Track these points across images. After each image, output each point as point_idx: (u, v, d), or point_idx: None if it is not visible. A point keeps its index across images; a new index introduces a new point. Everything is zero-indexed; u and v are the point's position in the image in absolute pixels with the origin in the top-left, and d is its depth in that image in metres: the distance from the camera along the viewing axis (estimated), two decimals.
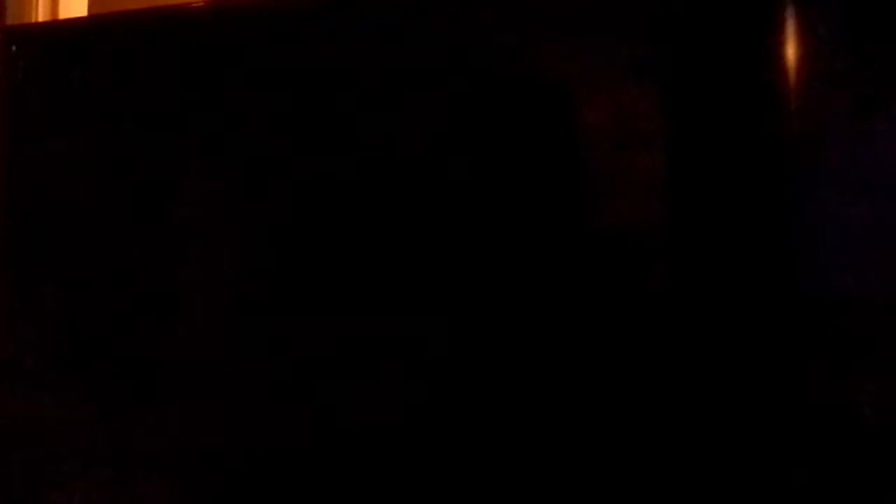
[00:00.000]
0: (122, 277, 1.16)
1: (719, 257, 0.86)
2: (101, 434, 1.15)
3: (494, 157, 0.96)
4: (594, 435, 0.89)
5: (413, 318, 0.99)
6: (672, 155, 0.89)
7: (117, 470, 1.13)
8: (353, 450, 1.01)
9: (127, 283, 1.16)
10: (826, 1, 0.85)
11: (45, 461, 1.18)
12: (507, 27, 0.96)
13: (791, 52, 0.84)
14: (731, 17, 0.86)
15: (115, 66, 1.18)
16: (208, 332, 1.11)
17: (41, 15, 1.62)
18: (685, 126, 0.88)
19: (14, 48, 1.23)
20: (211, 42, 1.13)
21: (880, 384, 0.83)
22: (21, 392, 1.20)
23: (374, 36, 1.03)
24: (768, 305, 0.84)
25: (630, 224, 0.90)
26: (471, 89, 0.97)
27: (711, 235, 0.86)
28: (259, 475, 1.05)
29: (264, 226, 1.08)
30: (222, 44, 1.12)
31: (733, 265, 0.85)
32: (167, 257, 1.14)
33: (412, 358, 0.98)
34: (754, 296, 0.84)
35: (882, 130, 0.85)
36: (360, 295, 1.02)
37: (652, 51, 0.90)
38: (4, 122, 1.24)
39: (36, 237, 1.22)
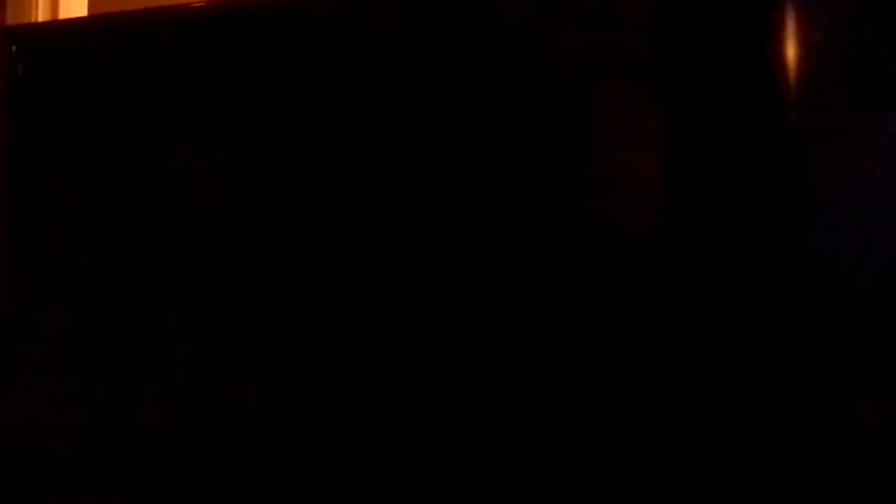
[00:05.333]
0: (121, 277, 1.16)
1: (720, 256, 0.86)
2: (101, 438, 1.15)
3: (495, 155, 0.96)
4: (593, 435, 0.89)
5: (410, 319, 0.99)
6: (672, 154, 0.89)
7: (114, 474, 1.14)
8: (353, 451, 1.01)
9: (126, 284, 1.16)
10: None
11: (44, 464, 1.18)
12: (507, 26, 0.96)
13: (791, 49, 0.84)
14: (732, 15, 0.86)
15: (114, 66, 1.18)
16: (209, 333, 1.11)
17: (41, 15, 1.63)
18: (685, 125, 0.88)
19: (14, 48, 1.23)
20: (211, 42, 1.13)
21: (880, 383, 0.83)
22: (20, 393, 1.20)
23: (374, 34, 1.03)
24: (769, 303, 0.84)
25: (631, 223, 0.90)
26: (471, 88, 0.97)
27: (712, 234, 0.86)
28: (259, 478, 1.05)
29: (266, 227, 1.08)
30: (222, 44, 1.12)
31: (734, 264, 0.85)
32: (167, 257, 1.14)
33: (412, 357, 0.99)
34: (756, 294, 0.84)
35: (883, 128, 0.85)
36: (372, 292, 1.02)
37: (652, 49, 0.90)
38: (4, 122, 1.24)
39: (36, 237, 1.22)
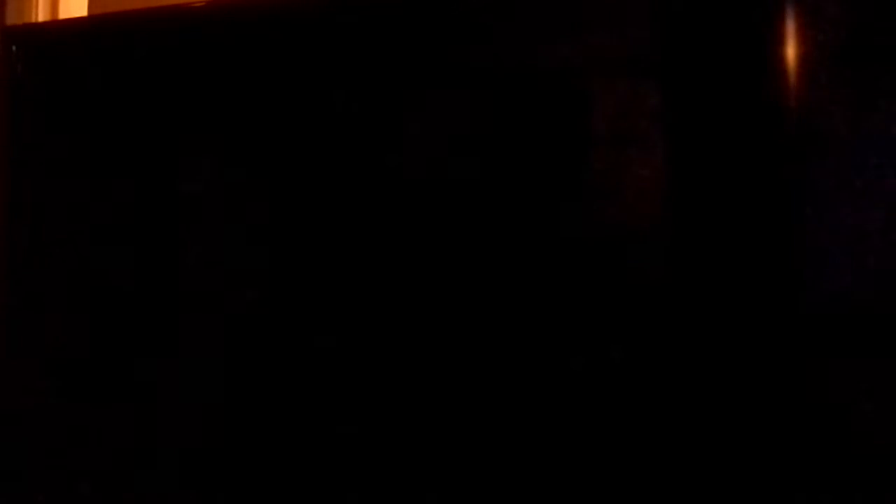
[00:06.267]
0: (121, 277, 1.16)
1: (719, 258, 0.86)
2: (100, 435, 1.15)
3: (495, 156, 0.96)
4: (595, 436, 0.89)
5: (405, 319, 0.99)
6: (672, 156, 0.89)
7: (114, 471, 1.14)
8: (351, 451, 1.01)
9: (126, 283, 1.16)
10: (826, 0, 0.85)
11: (44, 459, 1.18)
12: (507, 26, 0.96)
13: (791, 51, 0.84)
14: (732, 16, 0.86)
15: (114, 66, 1.18)
16: (209, 334, 1.11)
17: (41, 15, 1.63)
18: (685, 126, 0.88)
19: (14, 48, 1.23)
20: (211, 42, 1.13)
21: (880, 385, 0.83)
22: (20, 391, 1.20)
23: (374, 35, 1.03)
24: (767, 306, 0.84)
25: (630, 225, 0.90)
26: (471, 88, 0.97)
27: (711, 236, 0.86)
28: (257, 476, 1.05)
29: (265, 227, 1.08)
30: (222, 44, 1.12)
31: (733, 266, 0.85)
32: (166, 257, 1.14)
33: (412, 356, 0.99)
34: (754, 297, 0.84)
35: (883, 130, 0.85)
36: (376, 294, 1.02)
37: (652, 50, 0.90)
38: (4, 122, 1.24)
39: (36, 236, 1.22)
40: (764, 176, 0.85)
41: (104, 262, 1.17)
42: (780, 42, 0.84)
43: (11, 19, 1.60)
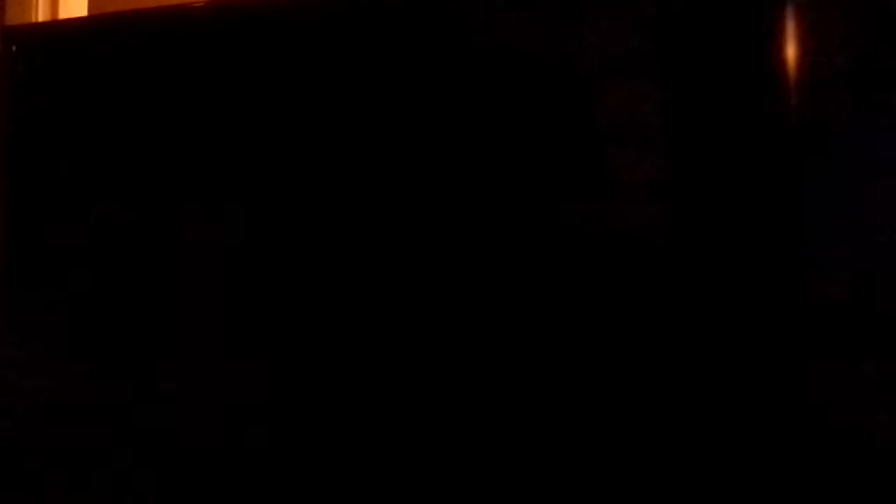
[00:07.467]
0: (120, 276, 1.16)
1: (720, 255, 0.86)
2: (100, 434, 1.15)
3: (494, 155, 0.96)
4: (595, 437, 0.89)
5: (405, 320, 0.99)
6: (673, 152, 0.89)
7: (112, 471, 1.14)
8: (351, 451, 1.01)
9: (125, 282, 1.16)
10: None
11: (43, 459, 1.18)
12: (506, 23, 0.96)
13: (792, 49, 0.84)
14: (733, 14, 0.86)
15: (114, 66, 1.18)
16: (209, 331, 1.11)
17: (41, 15, 1.63)
18: (686, 123, 0.88)
19: (14, 48, 1.23)
20: (211, 42, 1.13)
21: (881, 384, 0.83)
22: (19, 387, 1.20)
23: (374, 33, 1.03)
24: (769, 304, 0.84)
25: (631, 222, 0.90)
26: (470, 87, 0.97)
27: (712, 232, 0.86)
28: (257, 475, 1.05)
29: (265, 226, 1.08)
30: (222, 44, 1.12)
31: (734, 264, 0.85)
32: (166, 256, 1.14)
33: (414, 358, 0.99)
34: (755, 295, 0.84)
35: (883, 127, 0.85)
36: (377, 295, 1.02)
37: (653, 48, 0.90)
38: (4, 122, 1.24)
39: (36, 236, 1.22)
40: (765, 176, 0.85)
41: (104, 263, 1.17)
42: (781, 42, 0.84)
43: (11, 19, 1.60)
